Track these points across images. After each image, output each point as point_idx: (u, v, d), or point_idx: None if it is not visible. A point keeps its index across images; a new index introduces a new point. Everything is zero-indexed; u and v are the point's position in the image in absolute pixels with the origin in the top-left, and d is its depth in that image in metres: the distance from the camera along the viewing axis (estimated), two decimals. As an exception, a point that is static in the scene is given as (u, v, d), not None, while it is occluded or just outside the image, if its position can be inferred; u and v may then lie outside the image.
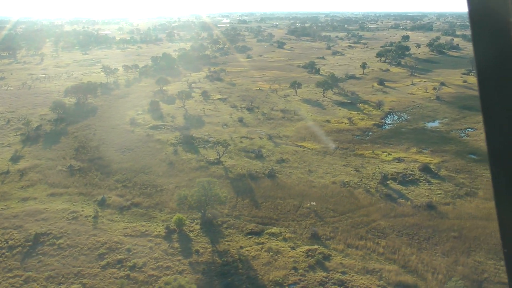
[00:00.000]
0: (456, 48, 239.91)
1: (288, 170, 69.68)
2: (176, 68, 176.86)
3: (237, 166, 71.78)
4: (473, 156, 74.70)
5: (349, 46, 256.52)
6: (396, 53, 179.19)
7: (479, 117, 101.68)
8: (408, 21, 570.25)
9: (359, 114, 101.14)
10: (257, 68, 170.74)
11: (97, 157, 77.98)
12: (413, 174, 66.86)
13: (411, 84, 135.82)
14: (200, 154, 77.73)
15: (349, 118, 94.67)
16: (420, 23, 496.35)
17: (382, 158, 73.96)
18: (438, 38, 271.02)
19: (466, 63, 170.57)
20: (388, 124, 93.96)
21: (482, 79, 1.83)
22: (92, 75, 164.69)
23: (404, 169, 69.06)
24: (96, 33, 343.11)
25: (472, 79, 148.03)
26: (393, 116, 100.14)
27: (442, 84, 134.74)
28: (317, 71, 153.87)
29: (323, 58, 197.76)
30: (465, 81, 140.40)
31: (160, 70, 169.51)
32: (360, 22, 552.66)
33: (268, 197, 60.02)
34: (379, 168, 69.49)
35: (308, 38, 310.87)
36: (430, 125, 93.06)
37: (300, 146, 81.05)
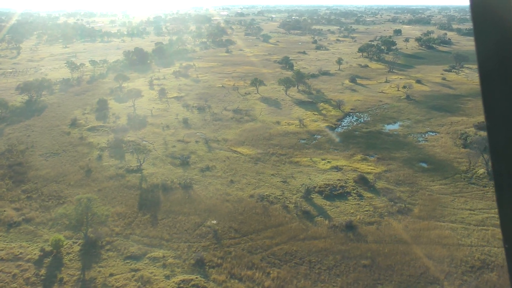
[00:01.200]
0: (447, 42, 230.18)
1: (209, 180, 62.68)
2: (149, 63, 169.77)
3: (156, 174, 65.04)
4: (423, 165, 67.05)
5: (337, 40, 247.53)
6: (378, 48, 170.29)
7: (445, 119, 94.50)
8: (409, 14, 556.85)
9: (315, 114, 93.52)
10: (231, 64, 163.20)
11: (18, 163, 71.60)
12: (346, 187, 59.42)
13: (385, 82, 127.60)
14: (124, 160, 70.99)
15: (300, 120, 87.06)
16: (419, 17, 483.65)
17: (318, 167, 66.53)
18: (429, 32, 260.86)
19: (451, 58, 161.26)
20: (343, 126, 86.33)
21: (484, 75, 1.88)
22: (60, 70, 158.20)
23: (338, 180, 61.65)
24: (88, 25, 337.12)
25: (452, 76, 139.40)
26: (352, 117, 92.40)
27: (418, 81, 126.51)
28: (291, 67, 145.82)
29: (303, 53, 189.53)
30: (444, 79, 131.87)
31: (131, 66, 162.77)
32: (358, 15, 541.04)
33: (172, 213, 53.33)
34: (310, 179, 62.19)
35: (298, 31, 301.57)
36: (388, 127, 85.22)
37: (235, 151, 73.84)
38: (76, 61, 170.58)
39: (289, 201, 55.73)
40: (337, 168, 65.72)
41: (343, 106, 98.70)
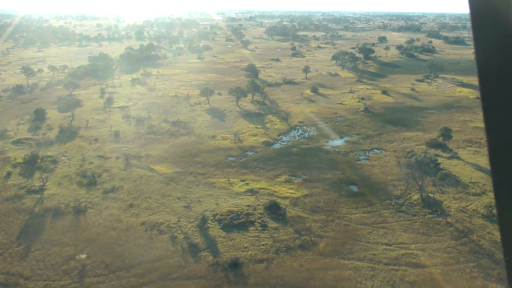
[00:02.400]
0: (430, 51, 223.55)
1: (108, 203, 56.01)
2: (114, 69, 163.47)
3: (56, 196, 58.55)
4: (353, 188, 60.20)
5: (318, 46, 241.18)
6: (352, 56, 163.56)
7: (398, 135, 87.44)
8: (402, 21, 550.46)
9: (258, 128, 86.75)
10: (197, 71, 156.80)
11: None
12: (252, 214, 52.54)
13: (349, 92, 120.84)
14: (32, 179, 64.49)
15: (236, 134, 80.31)
16: (410, 24, 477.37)
17: (233, 190, 59.70)
18: (413, 40, 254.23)
19: (425, 68, 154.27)
20: (283, 142, 79.47)
21: (483, 78, 1.86)
22: (19, 76, 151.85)
23: (248, 206, 54.79)
24: (73, 29, 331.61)
25: (423, 87, 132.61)
26: (298, 131, 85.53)
27: (384, 92, 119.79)
28: (256, 75, 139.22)
29: (277, 60, 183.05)
30: (412, 89, 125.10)
31: (94, 72, 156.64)
32: (351, 21, 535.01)
33: (49, 243, 47.22)
34: (216, 204, 55.36)
35: (280, 37, 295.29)
36: (332, 144, 78.41)
37: (152, 169, 67.14)
38: (38, 66, 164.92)
39: (182, 230, 49.00)
40: (253, 192, 58.91)
41: (292, 118, 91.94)
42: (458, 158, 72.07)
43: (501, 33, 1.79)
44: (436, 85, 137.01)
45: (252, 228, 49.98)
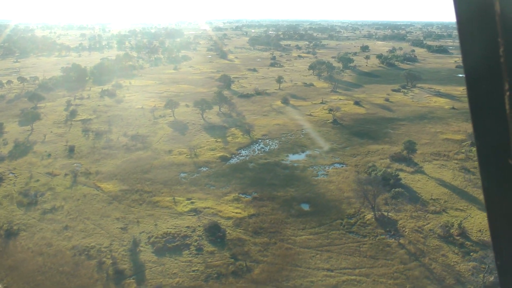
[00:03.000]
0: (412, 60, 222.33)
1: (43, 225, 52.51)
2: (87, 81, 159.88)
3: (-12, 217, 54.48)
4: (304, 207, 57.01)
5: (299, 56, 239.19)
6: (328, 66, 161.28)
7: (364, 148, 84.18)
8: (389, 30, 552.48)
9: (218, 142, 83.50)
10: (170, 82, 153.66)
11: None
12: (190, 237, 49.17)
13: (320, 103, 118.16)
14: (-33, 198, 60.43)
15: (191, 149, 77.07)
16: (395, 33, 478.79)
17: (176, 209, 56.30)
18: (395, 49, 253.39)
19: (402, 78, 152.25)
20: (241, 156, 76.21)
21: (470, 83, 1.90)
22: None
23: (187, 227, 51.43)
24: (57, 39, 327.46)
25: (398, 97, 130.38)
26: (259, 145, 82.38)
27: (357, 103, 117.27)
28: (228, 86, 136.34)
29: (254, 70, 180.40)
30: (387, 100, 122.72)
31: (66, 83, 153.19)
32: (337, 30, 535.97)
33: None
34: (155, 225, 51.92)
35: (262, 47, 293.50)
36: (292, 158, 75.30)
37: (98, 187, 63.56)
38: (11, 78, 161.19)
39: (111, 255, 45.40)
40: (196, 212, 55.54)
41: (255, 131, 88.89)
42: (422, 172, 69.20)
43: (487, 38, 1.78)
44: (412, 95, 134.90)
45: (186, 252, 46.56)
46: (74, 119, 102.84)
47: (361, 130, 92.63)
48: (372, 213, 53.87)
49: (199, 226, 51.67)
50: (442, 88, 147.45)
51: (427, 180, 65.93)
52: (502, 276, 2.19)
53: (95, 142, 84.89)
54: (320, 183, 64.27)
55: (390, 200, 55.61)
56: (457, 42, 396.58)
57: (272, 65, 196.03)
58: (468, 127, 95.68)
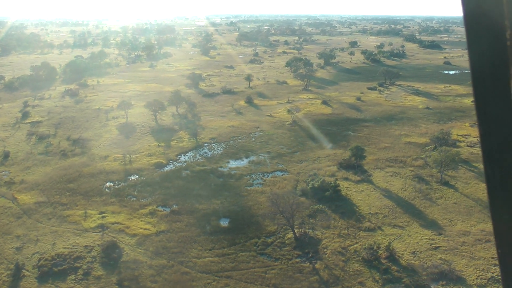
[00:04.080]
0: (400, 56, 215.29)
1: None
2: (57, 79, 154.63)
3: None
4: (222, 222, 51.57)
5: (284, 52, 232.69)
6: (306, 63, 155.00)
7: (315, 153, 77.09)
8: (387, 25, 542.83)
9: (160, 146, 78.07)
10: (140, 80, 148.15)
11: None
12: (83, 258, 44.02)
13: (287, 102, 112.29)
14: None
15: (125, 155, 71.66)
16: (391, 28, 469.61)
17: (83, 225, 51.03)
18: (383, 45, 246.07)
19: (388, 74, 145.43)
20: (179, 162, 70.72)
21: (476, 79, 1.91)
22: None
23: (85, 246, 46.23)
24: (47, 36, 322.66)
25: (371, 96, 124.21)
26: (204, 149, 76.86)
27: (325, 102, 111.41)
28: (196, 85, 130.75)
29: (231, 67, 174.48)
30: (358, 99, 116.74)
31: (34, 82, 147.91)
32: (333, 25, 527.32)
33: None
34: (53, 244, 46.71)
35: (247, 43, 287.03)
36: (232, 165, 69.82)
37: (14, 199, 58.38)
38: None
39: (-15, 284, 40.02)
40: (103, 227, 50.22)
41: (205, 134, 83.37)
42: (369, 181, 63.40)
43: (494, 34, 1.77)
44: (387, 93, 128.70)
45: (72, 277, 41.25)
46: (24, 122, 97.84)
47: (319, 133, 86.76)
48: (295, 230, 48.19)
49: (98, 245, 46.24)
50: (422, 86, 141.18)
51: (371, 191, 60.17)
52: (503, 263, 2.19)
53: (34, 147, 79.67)
54: (251, 194, 58.66)
55: (307, 219, 49.86)
56: (452, 37, 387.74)
57: (252, 61, 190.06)
58: (437, 129, 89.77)
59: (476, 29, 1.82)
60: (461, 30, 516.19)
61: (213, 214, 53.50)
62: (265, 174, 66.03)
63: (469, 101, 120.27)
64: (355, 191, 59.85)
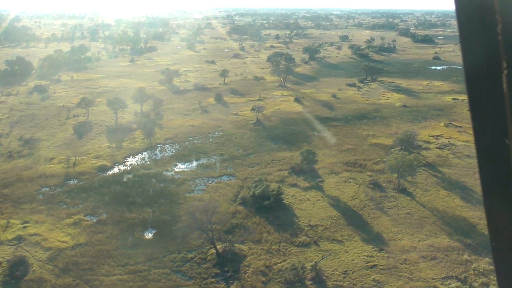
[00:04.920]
0: (389, 50, 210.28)
1: None
2: (33, 74, 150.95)
3: None
4: (148, 234, 48.13)
5: (271, 46, 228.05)
6: (288, 58, 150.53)
7: (270, 156, 72.24)
8: (384, 19, 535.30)
9: (110, 147, 74.54)
10: (116, 76, 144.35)
11: None
12: (-20, 278, 40.13)
13: (258, 99, 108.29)
14: None
15: (68, 158, 68.09)
16: (388, 22, 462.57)
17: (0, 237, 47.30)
18: (373, 39, 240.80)
19: (371, 70, 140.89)
20: (125, 165, 67.12)
21: (470, 78, 1.94)
22: None
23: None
24: (39, 29, 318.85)
25: (348, 93, 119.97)
26: (155, 150, 73.19)
27: (297, 99, 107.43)
28: (170, 81, 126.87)
29: (212, 62, 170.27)
30: (334, 96, 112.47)
31: (8, 77, 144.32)
32: (330, 19, 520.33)
33: None
34: (-45, 261, 42.97)
35: (237, 36, 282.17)
36: (179, 168, 66.44)
37: None
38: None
39: None
40: (20, 239, 46.81)
41: (160, 134, 79.63)
42: (319, 188, 59.50)
43: (486, 28, 1.80)
44: (366, 90, 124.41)
45: (-36, 300, 37.61)
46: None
47: (282, 133, 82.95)
48: (220, 245, 44.49)
49: (7, 261, 42.66)
50: (404, 82, 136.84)
51: (318, 199, 56.29)
52: (497, 257, 2.20)
53: (-22, 147, 76.00)
54: (188, 202, 54.90)
55: (223, 235, 46.12)
56: (447, 32, 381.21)
57: (235, 56, 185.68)
58: (410, 128, 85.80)
59: (468, 23, 1.84)
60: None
61: (141, 224, 49.85)
62: (210, 179, 62.25)
63: (449, 99, 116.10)
64: (300, 200, 56.02)
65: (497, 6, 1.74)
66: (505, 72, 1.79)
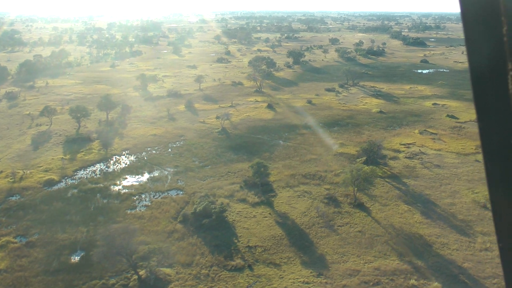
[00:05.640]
0: (377, 53, 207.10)
1: None
2: (9, 80, 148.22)
3: None
4: (75, 257, 44.97)
5: (258, 50, 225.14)
6: (269, 62, 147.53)
7: (226, 167, 67.46)
8: (379, 22, 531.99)
9: (64, 159, 71.56)
10: (92, 82, 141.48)
11: None
12: None
13: (230, 106, 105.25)
14: None
15: (14, 172, 65.11)
16: (383, 24, 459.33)
17: None
18: (362, 42, 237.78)
19: (355, 74, 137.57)
20: (73, 179, 64.11)
21: (475, 78, 1.94)
22: None
23: None
24: (28, 33, 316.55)
25: (325, 98, 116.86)
26: (109, 162, 70.20)
27: (270, 106, 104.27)
28: (145, 87, 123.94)
29: (193, 66, 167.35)
30: (309, 102, 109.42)
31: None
32: (324, 22, 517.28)
33: None
34: None
35: (225, 39, 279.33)
36: (128, 182, 63.48)
37: None
38: None
39: None
40: None
41: (118, 145, 76.63)
42: (269, 204, 56.32)
43: (491, 30, 1.81)
44: (345, 95, 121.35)
45: None
46: None
47: (245, 142, 79.88)
48: (142, 270, 41.32)
49: None
50: (386, 87, 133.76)
51: (265, 216, 53.14)
52: (504, 257, 2.19)
53: None
54: (127, 220, 51.83)
55: (152, 258, 42.89)
56: (441, 34, 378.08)
57: (219, 60, 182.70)
58: (382, 136, 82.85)
59: (474, 25, 1.85)
60: (453, 27, 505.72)
61: (71, 246, 46.74)
62: (157, 193, 59.20)
63: (430, 104, 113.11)
64: (245, 217, 52.86)
65: (502, 7, 1.74)
66: (511, 73, 1.79)
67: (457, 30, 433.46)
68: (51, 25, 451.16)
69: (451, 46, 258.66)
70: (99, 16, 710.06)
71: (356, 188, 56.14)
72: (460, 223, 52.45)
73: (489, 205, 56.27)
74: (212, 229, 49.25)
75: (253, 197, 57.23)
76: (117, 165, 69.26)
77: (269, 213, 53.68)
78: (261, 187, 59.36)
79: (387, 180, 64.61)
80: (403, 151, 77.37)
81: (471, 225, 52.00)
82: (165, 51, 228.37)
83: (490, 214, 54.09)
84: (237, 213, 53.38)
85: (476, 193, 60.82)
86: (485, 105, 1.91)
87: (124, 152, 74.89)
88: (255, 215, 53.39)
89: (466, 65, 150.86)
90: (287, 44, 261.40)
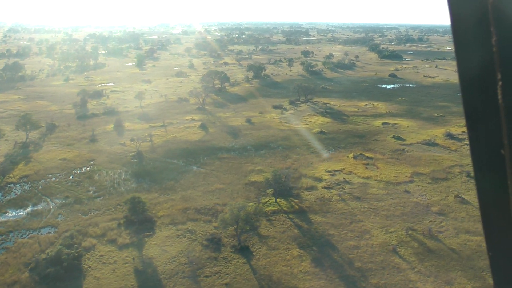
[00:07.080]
0: (346, 67, 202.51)
1: None
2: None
3: None
4: None
5: (225, 63, 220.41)
6: (224, 77, 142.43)
7: (120, 198, 60.76)
8: (363, 34, 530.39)
9: None
10: (34, 97, 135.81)
11: None
12: None
13: (161, 126, 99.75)
14: None
15: None
16: (370, 35, 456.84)
17: None
18: (332, 55, 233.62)
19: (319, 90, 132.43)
20: None
21: (465, 89, 1.97)
22: None
23: None
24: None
25: (267, 116, 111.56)
26: (0, 193, 64.25)
27: (203, 126, 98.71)
28: (84, 104, 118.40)
29: (148, 81, 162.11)
30: (248, 121, 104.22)
31: None
32: (307, 34, 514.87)
33: None
34: None
35: (195, 51, 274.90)
36: (5, 217, 57.33)
37: None
38: None
39: None
40: None
41: (20, 170, 70.92)
42: (139, 246, 50.35)
43: (479, 28, 1.83)
44: (291, 113, 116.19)
45: None
46: None
47: (156, 168, 74.27)
48: None
49: None
50: (340, 103, 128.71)
51: (126, 262, 47.26)
52: (494, 267, 2.21)
53: None
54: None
55: None
56: (421, 47, 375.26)
57: (177, 75, 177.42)
58: (311, 160, 77.46)
59: (463, 35, 1.86)
60: (436, 39, 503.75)
61: None
62: (28, 232, 53.33)
63: (379, 123, 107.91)
64: (104, 263, 46.89)
65: (491, 18, 1.75)
66: (500, 83, 1.80)
67: (440, 43, 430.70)
68: (31, 35, 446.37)
69: (426, 59, 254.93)
70: (84, 27, 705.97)
71: (238, 230, 50.33)
72: (355, 273, 45.74)
73: (399, 249, 50.46)
74: (59, 279, 43.35)
75: (125, 238, 51.39)
76: (5, 197, 63.36)
77: (133, 258, 47.77)
78: (139, 225, 53.52)
79: (290, 216, 58.75)
80: (326, 179, 71.57)
81: (367, 275, 45.30)
82: (129, 64, 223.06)
83: (396, 260, 48.20)
84: (98, 258, 47.48)
85: (390, 232, 54.69)
86: (475, 114, 1.89)
87: (21, 180, 69.04)
88: (116, 260, 47.46)
89: (435, 79, 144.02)
90: (258, 56, 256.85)
